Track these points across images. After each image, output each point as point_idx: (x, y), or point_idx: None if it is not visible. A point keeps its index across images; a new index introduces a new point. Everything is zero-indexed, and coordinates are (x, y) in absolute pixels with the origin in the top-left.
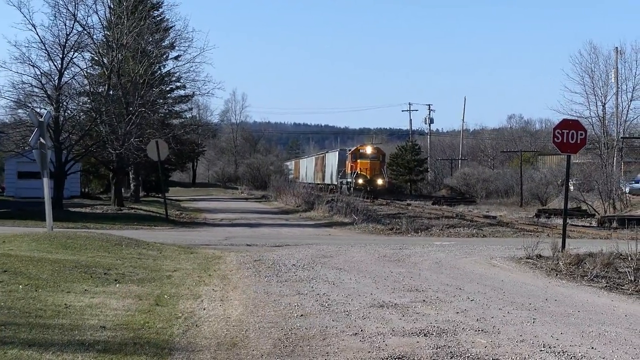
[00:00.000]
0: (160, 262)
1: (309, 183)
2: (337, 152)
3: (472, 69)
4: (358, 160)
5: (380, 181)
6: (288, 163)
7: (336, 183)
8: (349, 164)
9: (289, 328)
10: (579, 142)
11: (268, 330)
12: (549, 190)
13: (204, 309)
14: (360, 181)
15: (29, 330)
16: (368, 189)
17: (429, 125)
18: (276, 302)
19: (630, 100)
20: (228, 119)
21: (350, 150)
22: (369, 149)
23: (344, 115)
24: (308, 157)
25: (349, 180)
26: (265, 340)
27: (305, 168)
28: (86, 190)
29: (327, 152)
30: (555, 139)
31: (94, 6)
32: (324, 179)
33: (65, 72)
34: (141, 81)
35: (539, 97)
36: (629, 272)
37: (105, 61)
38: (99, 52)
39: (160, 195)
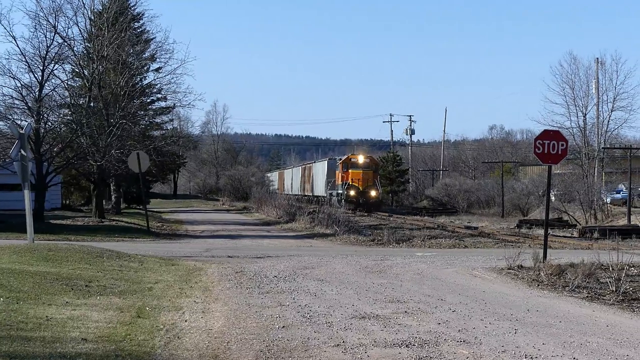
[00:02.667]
0: (142, 274)
1: (295, 195)
2: (326, 162)
3: (454, 80)
4: (349, 170)
5: (373, 193)
6: (269, 174)
7: (325, 195)
8: (339, 174)
9: (270, 339)
10: (560, 152)
11: (250, 341)
12: (530, 201)
13: (186, 321)
14: (352, 193)
15: (10, 342)
16: (360, 201)
17: (410, 136)
18: (258, 313)
19: (611, 111)
20: (209, 131)
21: (340, 159)
22: (361, 158)
23: (325, 127)
24: (294, 167)
25: (340, 191)
26: (247, 351)
27: (291, 179)
28: (67, 202)
29: (315, 161)
30: (537, 149)
31: (74, 18)
32: (311, 191)
33: (45, 84)
34: (122, 93)
35: (520, 108)
36: (610, 282)
37: (86, 73)
38: (79, 64)
39: (141, 207)
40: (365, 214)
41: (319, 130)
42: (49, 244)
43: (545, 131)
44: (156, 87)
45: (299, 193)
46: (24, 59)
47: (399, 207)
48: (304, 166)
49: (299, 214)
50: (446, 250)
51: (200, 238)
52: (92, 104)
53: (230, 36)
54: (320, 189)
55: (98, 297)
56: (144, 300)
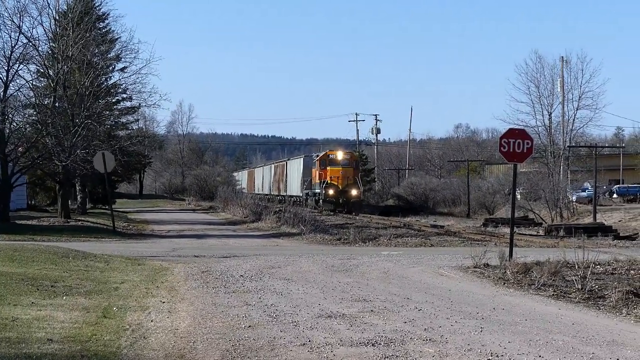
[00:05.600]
0: (108, 274)
1: (267, 195)
2: (302, 159)
3: (419, 79)
4: (328, 168)
5: (354, 192)
6: (236, 174)
7: (301, 195)
8: (316, 172)
9: (237, 339)
10: (525, 151)
11: (216, 341)
12: (496, 200)
13: (152, 321)
14: (331, 192)
15: None
16: (340, 201)
17: (376, 135)
18: (224, 313)
19: (576, 109)
20: (175, 130)
21: (317, 156)
22: (340, 155)
23: (291, 126)
24: (265, 166)
25: (317, 191)
26: (213, 351)
27: (262, 178)
28: (33, 202)
29: (289, 159)
30: (502, 148)
31: (39, 18)
32: (285, 190)
33: (10, 84)
34: (87, 93)
35: (486, 107)
36: (576, 280)
37: (51, 73)
38: (44, 64)
39: (107, 207)
40: (331, 213)
41: (284, 130)
42: (15, 245)
43: (511, 130)
44: (121, 87)
45: (272, 193)
46: None
47: (366, 205)
48: (276, 164)
49: (265, 214)
50: (412, 249)
51: (167, 238)
52: (57, 104)
53: (196, 36)
54: (295, 189)
55: (64, 298)
56: (110, 301)
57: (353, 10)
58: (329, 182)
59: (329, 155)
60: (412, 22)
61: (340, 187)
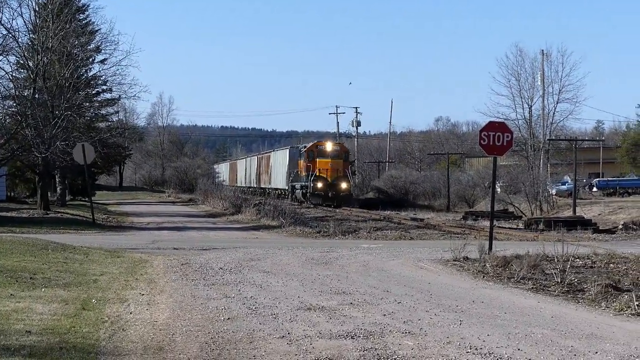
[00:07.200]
0: (87, 266)
1: (250, 187)
2: (288, 150)
3: (399, 72)
4: (316, 160)
5: (344, 185)
6: (217, 166)
7: (286, 187)
8: (303, 164)
9: (215, 332)
10: (505, 144)
11: (195, 334)
12: (476, 193)
13: (131, 313)
14: (320, 185)
15: None
16: (329, 194)
17: (356, 128)
18: (203, 305)
19: (557, 103)
20: (155, 122)
21: (305, 147)
22: (329, 146)
23: (271, 119)
24: (248, 157)
25: (304, 183)
26: (192, 344)
27: (244, 170)
28: (12, 194)
29: (274, 150)
30: (482, 141)
31: (18, 9)
32: (269, 183)
33: None
34: (67, 85)
35: (466, 100)
36: (555, 273)
37: (31, 64)
38: (24, 55)
39: (86, 198)
40: (311, 206)
41: (264, 122)
42: None
43: (491, 123)
44: (101, 78)
45: (255, 185)
46: None
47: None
48: (260, 156)
49: (245, 206)
50: (392, 242)
51: (146, 230)
52: (37, 96)
53: (175, 27)
54: (280, 181)
55: (43, 290)
56: (89, 293)
57: (346, 9)
58: (317, 174)
59: (317, 146)
60: (405, 20)
61: (329, 180)
